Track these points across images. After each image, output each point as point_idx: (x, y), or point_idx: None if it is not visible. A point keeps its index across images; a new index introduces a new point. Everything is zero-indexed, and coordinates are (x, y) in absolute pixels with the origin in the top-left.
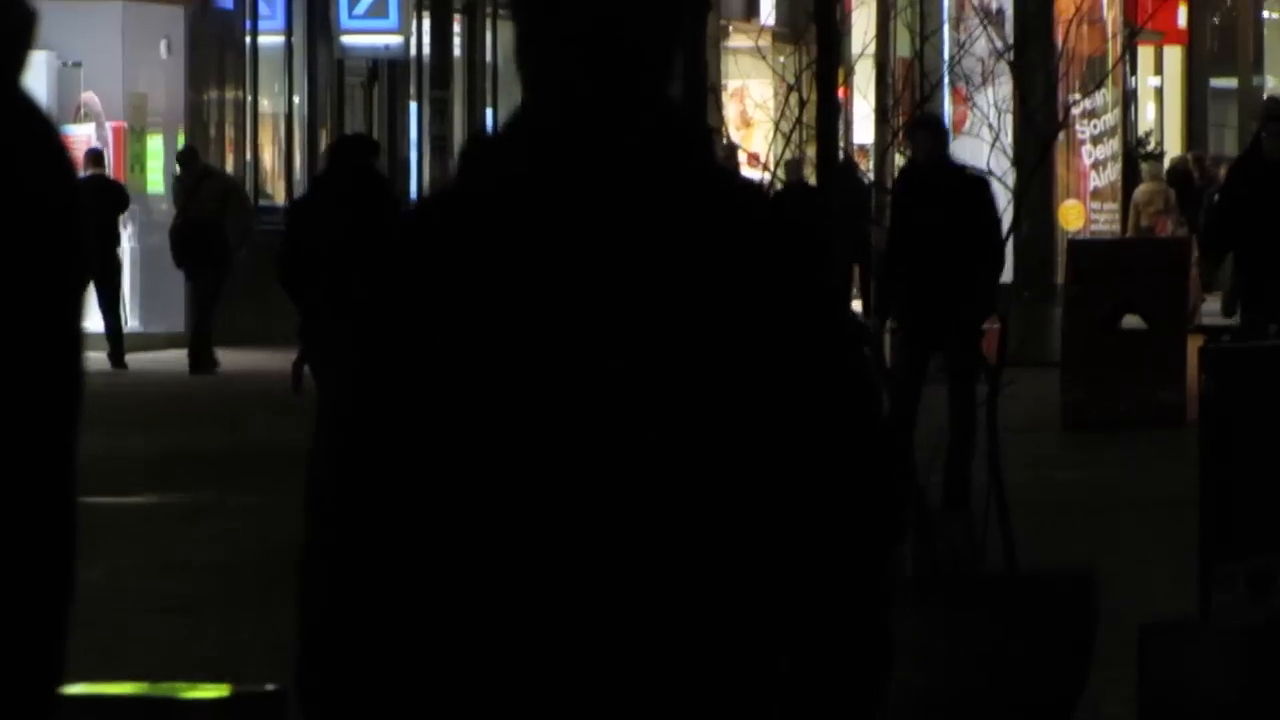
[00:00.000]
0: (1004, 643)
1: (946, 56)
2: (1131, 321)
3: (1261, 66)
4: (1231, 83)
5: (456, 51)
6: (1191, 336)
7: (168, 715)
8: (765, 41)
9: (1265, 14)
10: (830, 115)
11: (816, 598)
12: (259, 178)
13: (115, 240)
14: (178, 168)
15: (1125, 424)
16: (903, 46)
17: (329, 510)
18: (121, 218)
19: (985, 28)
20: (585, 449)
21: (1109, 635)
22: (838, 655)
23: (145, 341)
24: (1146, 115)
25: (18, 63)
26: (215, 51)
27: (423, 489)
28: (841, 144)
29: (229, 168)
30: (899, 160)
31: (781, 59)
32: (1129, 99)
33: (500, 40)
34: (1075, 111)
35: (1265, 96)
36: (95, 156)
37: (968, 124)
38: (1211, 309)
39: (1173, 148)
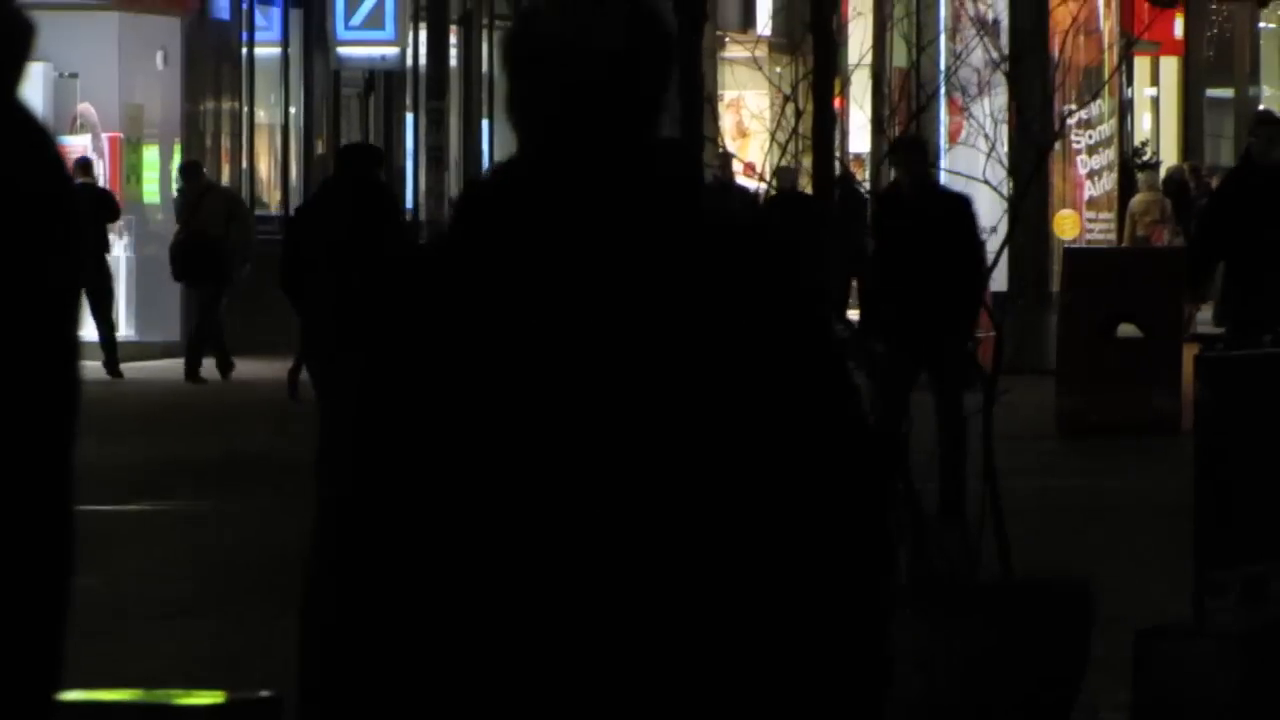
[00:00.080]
0: (999, 649)
1: (943, 67)
2: (1127, 330)
3: (1258, 77)
4: (1228, 93)
5: (453, 63)
6: (1186, 345)
7: None
8: (761, 52)
9: (1261, 25)
10: (826, 125)
11: (810, 610)
12: (255, 188)
13: (106, 249)
14: (180, 181)
15: (1121, 431)
16: (899, 57)
17: (338, 524)
18: (116, 227)
19: (981, 38)
20: (581, 467)
21: (1104, 641)
22: (834, 671)
23: (141, 351)
24: (1143, 125)
25: (15, 74)
26: (211, 63)
27: (428, 503)
28: (838, 154)
29: (225, 179)
30: (894, 172)
31: (778, 69)
32: (1125, 109)
33: (496, 52)
34: (1071, 121)
35: (1260, 107)
36: (84, 165)
37: (963, 134)
38: (1206, 318)
39: (1169, 158)
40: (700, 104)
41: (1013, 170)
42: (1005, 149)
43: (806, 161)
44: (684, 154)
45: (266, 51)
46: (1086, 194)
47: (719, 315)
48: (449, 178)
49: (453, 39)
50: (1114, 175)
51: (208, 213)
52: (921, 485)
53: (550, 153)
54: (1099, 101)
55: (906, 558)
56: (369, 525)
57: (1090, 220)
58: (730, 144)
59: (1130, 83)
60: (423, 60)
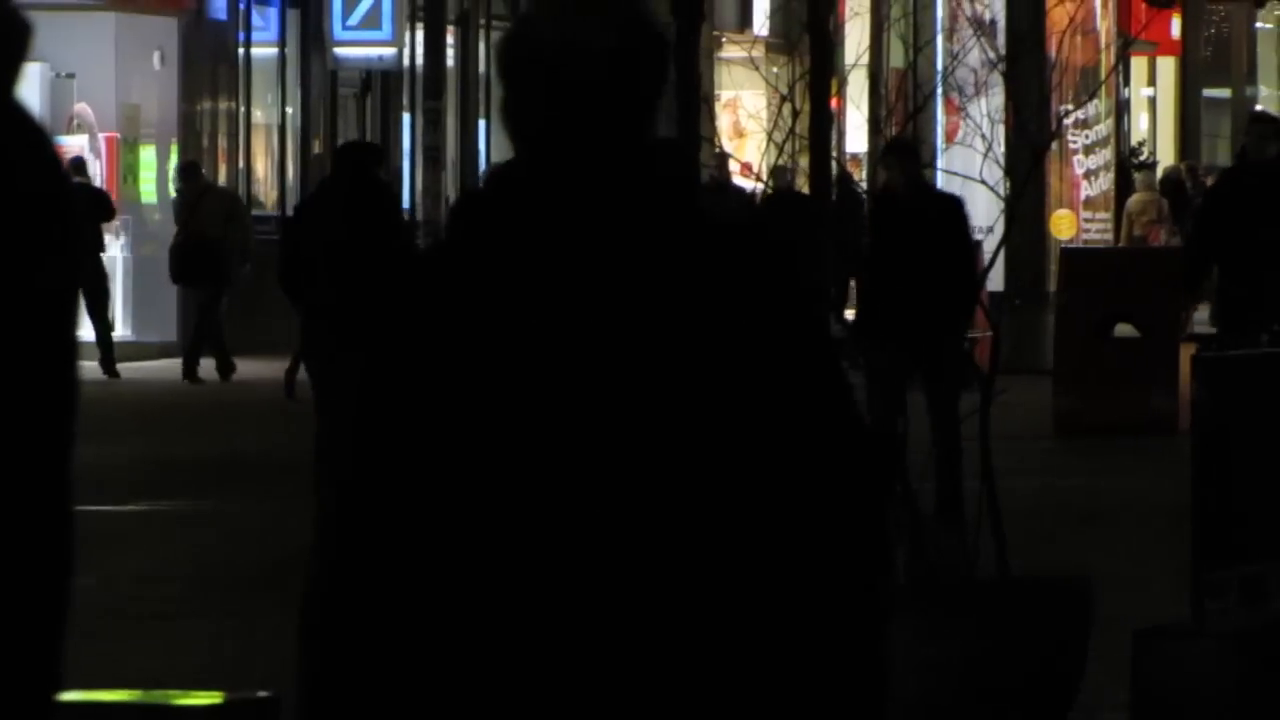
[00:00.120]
0: (997, 649)
1: (940, 67)
2: (1124, 330)
3: (1255, 77)
4: (1225, 93)
5: (450, 63)
6: (1184, 345)
7: None
8: (759, 52)
9: (1258, 25)
10: (823, 125)
11: (807, 610)
12: (252, 188)
13: (100, 247)
14: (178, 181)
15: (1118, 431)
16: (896, 57)
17: (339, 526)
18: (111, 226)
19: (978, 39)
20: (579, 468)
21: (1102, 641)
22: (831, 671)
23: (138, 351)
24: (1139, 125)
25: (12, 74)
26: (208, 63)
27: (429, 505)
28: (835, 154)
29: (222, 178)
30: (882, 174)
31: (775, 70)
32: (1122, 109)
33: (492, 55)
34: (1067, 122)
35: (1257, 107)
36: (78, 165)
37: (960, 134)
38: (1203, 317)
39: (1166, 158)
40: (697, 104)
41: (1009, 170)
42: (1002, 149)
43: (804, 161)
44: (680, 154)
45: (263, 51)
46: (1083, 194)
47: (716, 315)
48: (446, 178)
49: (450, 39)
50: (1111, 175)
51: (206, 213)
52: (919, 485)
53: (546, 155)
54: (1096, 101)
55: (904, 557)
56: (370, 527)
57: (1087, 220)
58: (727, 144)
59: (1127, 83)
60: (420, 60)
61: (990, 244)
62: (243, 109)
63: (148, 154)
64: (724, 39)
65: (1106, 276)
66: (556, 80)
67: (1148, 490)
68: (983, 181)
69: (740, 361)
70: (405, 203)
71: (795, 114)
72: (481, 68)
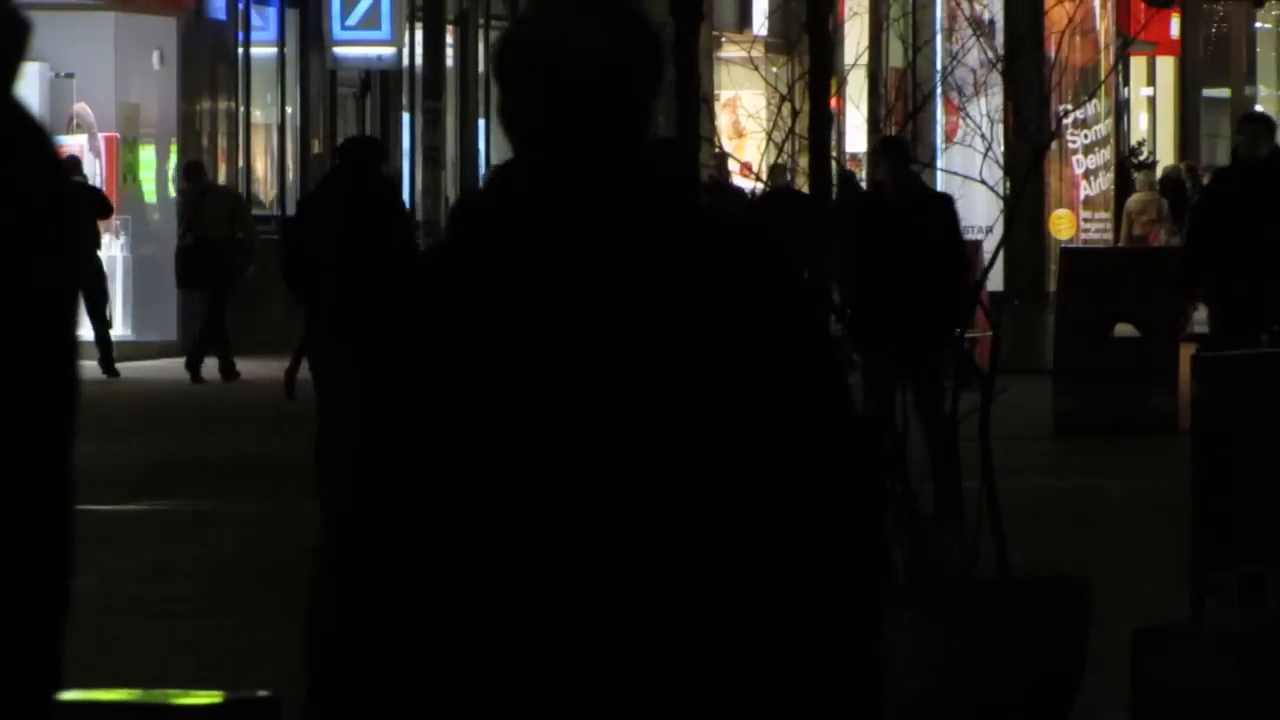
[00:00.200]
0: (997, 648)
1: (939, 67)
2: (1124, 330)
3: (1254, 77)
4: (1224, 93)
5: (449, 63)
6: (1184, 344)
7: None
8: (758, 52)
9: (1257, 25)
10: (823, 125)
11: (803, 609)
12: (251, 188)
13: (97, 246)
14: (181, 181)
15: (1118, 431)
16: (895, 57)
17: (342, 528)
18: (110, 225)
19: (977, 38)
20: (579, 469)
21: (1102, 641)
22: (827, 671)
23: (138, 350)
24: (1139, 125)
25: (11, 73)
26: (208, 62)
27: (431, 507)
28: (835, 154)
29: (221, 178)
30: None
31: (774, 69)
32: (1121, 109)
33: (490, 56)
34: (1067, 121)
35: (1256, 107)
36: (73, 164)
37: (960, 134)
38: (1202, 317)
39: (1165, 157)
40: (696, 104)
41: (1009, 170)
42: (1001, 149)
43: (803, 161)
44: (678, 154)
45: (263, 51)
46: (1083, 193)
47: (715, 315)
48: (445, 177)
49: (449, 39)
50: (1110, 175)
51: (210, 214)
52: (918, 485)
53: (544, 156)
54: (1095, 101)
55: (904, 557)
56: (372, 529)
57: (1087, 220)
58: (726, 144)
59: (1126, 82)
60: (419, 60)
61: (990, 244)
62: (242, 109)
63: (147, 154)
64: (723, 39)
65: (1106, 276)
66: (552, 82)
67: (1148, 490)
68: (982, 181)
69: (739, 361)
70: (404, 203)
71: (795, 114)
72: (481, 67)
